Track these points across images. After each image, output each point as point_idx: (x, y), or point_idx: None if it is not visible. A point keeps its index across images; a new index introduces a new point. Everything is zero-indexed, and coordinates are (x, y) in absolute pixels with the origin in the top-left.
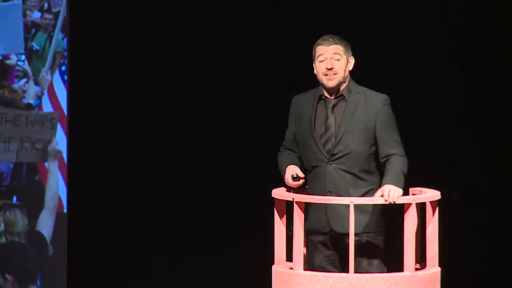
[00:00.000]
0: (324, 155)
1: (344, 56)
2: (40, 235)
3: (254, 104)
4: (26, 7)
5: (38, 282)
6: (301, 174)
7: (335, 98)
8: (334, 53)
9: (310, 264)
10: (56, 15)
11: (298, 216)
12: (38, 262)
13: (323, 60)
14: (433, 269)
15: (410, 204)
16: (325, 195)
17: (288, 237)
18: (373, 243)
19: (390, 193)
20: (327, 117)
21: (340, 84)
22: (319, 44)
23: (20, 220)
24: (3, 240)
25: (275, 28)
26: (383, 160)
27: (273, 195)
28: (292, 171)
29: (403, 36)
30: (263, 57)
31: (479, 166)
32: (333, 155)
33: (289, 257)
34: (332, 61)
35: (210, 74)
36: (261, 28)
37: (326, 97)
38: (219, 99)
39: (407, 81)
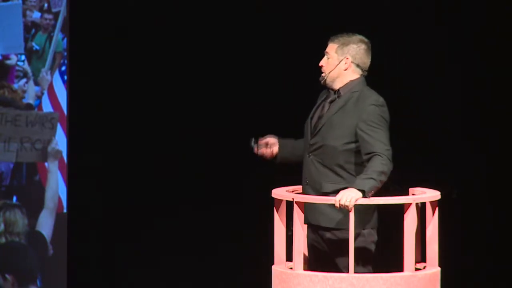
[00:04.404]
0: (308, 145)
1: (335, 55)
2: (40, 235)
3: (255, 98)
4: (26, 7)
5: (38, 282)
6: (263, 141)
7: (334, 93)
8: (326, 51)
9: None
10: (56, 15)
11: (298, 216)
12: (38, 262)
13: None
14: (433, 269)
15: (410, 204)
16: (302, 185)
17: (288, 237)
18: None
19: (341, 200)
20: (322, 110)
21: (327, 82)
22: None
23: (20, 220)
24: (3, 240)
25: (270, 28)
26: (365, 158)
27: (273, 195)
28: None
29: (403, 36)
30: (261, 57)
31: (479, 166)
32: (310, 145)
33: (289, 257)
34: (324, 58)
35: (208, 74)
36: (256, 28)
37: (331, 91)
38: (220, 96)
39: (407, 80)
